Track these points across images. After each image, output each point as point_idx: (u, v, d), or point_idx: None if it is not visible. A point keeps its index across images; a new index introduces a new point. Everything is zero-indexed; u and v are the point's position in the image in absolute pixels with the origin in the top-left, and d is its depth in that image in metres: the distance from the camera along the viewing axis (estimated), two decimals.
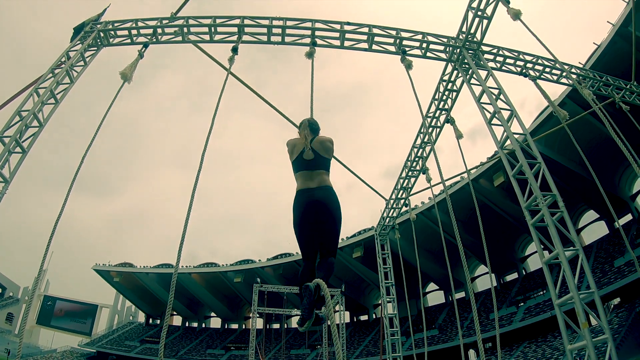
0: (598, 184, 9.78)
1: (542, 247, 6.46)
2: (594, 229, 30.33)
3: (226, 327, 51.30)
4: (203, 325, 52.69)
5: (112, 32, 8.40)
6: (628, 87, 11.60)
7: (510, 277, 35.29)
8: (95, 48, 8.28)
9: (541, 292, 29.12)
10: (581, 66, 18.60)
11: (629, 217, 26.81)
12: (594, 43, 21.53)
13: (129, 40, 8.44)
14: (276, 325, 48.89)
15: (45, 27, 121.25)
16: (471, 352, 30.64)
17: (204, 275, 46.72)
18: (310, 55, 7.28)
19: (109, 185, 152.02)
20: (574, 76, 10.58)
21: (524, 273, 34.05)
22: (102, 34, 8.26)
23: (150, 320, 54.68)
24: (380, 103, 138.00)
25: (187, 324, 53.10)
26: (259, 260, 44.63)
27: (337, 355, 1.86)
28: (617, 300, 24.16)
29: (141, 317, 57.24)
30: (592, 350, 5.09)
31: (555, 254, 5.92)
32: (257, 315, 26.07)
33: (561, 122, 8.99)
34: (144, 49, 7.87)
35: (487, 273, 36.74)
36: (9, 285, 60.12)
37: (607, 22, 20.81)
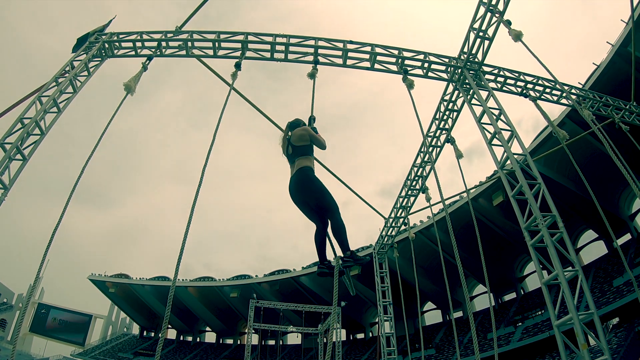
0: (597, 204, 9.74)
1: (541, 267, 6.42)
2: (592, 249, 30.26)
3: (221, 342, 50.63)
4: (197, 340, 51.98)
5: (117, 44, 8.47)
6: (627, 107, 11.67)
7: (509, 297, 35.02)
8: (100, 59, 8.33)
9: (539, 312, 28.85)
10: (580, 86, 18.67)
11: (627, 236, 26.75)
12: (593, 63, 21.71)
13: (133, 52, 8.50)
14: (272, 342, 48.27)
15: (49, 37, 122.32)
16: None
17: (200, 289, 46.28)
18: (312, 76, 7.20)
19: (107, 197, 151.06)
20: (573, 97, 10.65)
21: (522, 293, 33.79)
22: (106, 45, 8.32)
23: (145, 333, 54.01)
24: (376, 124, 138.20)
25: (181, 338, 52.41)
26: (256, 275, 44.38)
27: None
28: (616, 320, 23.95)
29: (135, 329, 56.51)
30: None
31: (554, 275, 5.88)
32: (253, 331, 25.72)
33: (561, 142, 9.01)
34: (148, 61, 7.91)
35: (485, 293, 36.43)
36: (3, 291, 59.14)
37: (607, 42, 21.01)
